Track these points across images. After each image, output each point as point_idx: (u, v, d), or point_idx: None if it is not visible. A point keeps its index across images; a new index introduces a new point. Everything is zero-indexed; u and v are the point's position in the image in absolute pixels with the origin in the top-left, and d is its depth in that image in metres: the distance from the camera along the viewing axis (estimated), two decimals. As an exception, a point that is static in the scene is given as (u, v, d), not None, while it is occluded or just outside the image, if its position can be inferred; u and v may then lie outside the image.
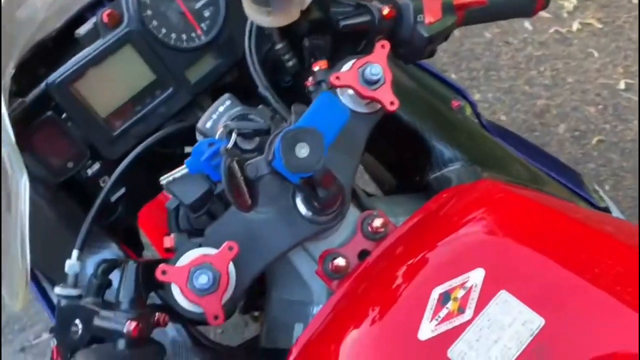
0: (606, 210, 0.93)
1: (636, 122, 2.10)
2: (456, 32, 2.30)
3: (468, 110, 0.97)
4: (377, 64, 0.70)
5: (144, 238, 1.16)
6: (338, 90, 0.73)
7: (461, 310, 0.59)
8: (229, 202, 0.76)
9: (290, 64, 0.80)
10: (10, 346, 1.72)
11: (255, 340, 0.92)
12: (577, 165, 2.05)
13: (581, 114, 2.14)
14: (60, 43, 0.84)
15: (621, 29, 2.25)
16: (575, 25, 2.28)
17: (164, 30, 0.80)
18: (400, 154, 0.98)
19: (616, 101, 2.14)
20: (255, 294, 1.03)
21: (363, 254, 0.74)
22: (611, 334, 0.55)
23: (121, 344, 0.62)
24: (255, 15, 0.68)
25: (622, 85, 2.17)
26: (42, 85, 0.76)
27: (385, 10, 0.72)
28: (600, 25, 2.27)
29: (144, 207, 0.96)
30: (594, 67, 2.21)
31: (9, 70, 0.70)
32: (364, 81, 0.70)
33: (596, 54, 2.23)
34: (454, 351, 0.57)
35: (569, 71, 2.23)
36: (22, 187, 0.54)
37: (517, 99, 2.19)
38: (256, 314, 1.26)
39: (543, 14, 2.31)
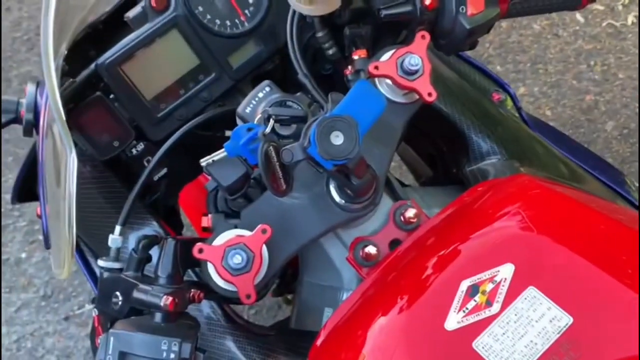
0: (648, 211, 0.91)
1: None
2: (503, 24, 2.26)
3: (509, 104, 0.95)
4: (416, 54, 0.70)
5: (185, 219, 1.20)
6: (376, 79, 0.73)
7: (489, 303, 0.59)
8: (265, 186, 0.78)
9: (330, 52, 0.80)
10: (55, 314, 1.80)
11: (286, 322, 0.95)
12: (624, 164, 1.99)
13: (631, 111, 2.07)
14: (110, 26, 0.87)
15: (679, 24, 2.16)
16: (630, 19, 2.20)
17: (209, 16, 0.82)
18: (437, 145, 0.98)
19: (669, 99, 2.06)
20: (289, 278, 1.05)
21: (394, 243, 0.74)
22: (641, 336, 0.55)
23: (158, 316, 0.65)
24: (297, 4, 0.69)
25: (676, 83, 2.08)
26: (92, 66, 0.80)
27: (428, 1, 0.72)
28: (656, 20, 2.19)
29: (184, 187, 0.99)
30: (648, 62, 2.13)
31: (62, 51, 0.73)
32: (402, 71, 0.70)
33: (651, 50, 2.15)
34: (479, 343, 0.58)
35: (620, 66, 2.15)
36: (70, 163, 0.57)
37: (564, 94, 2.14)
38: (289, 296, 1.29)
39: (596, 6, 2.23)
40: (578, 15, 2.22)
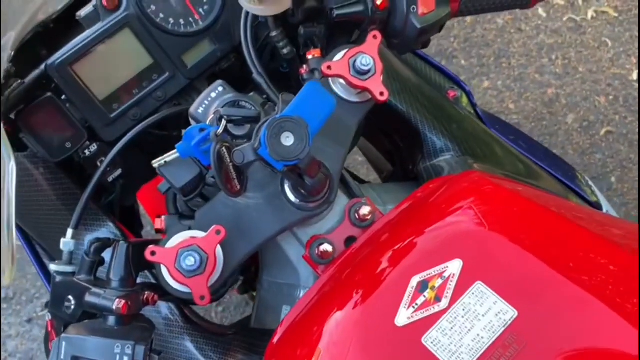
0: (597, 204, 0.94)
1: (647, 114, 2.08)
2: (468, 19, 2.29)
3: (465, 101, 0.97)
4: (368, 54, 0.71)
5: (146, 218, 1.19)
6: (330, 79, 0.74)
7: (438, 299, 0.61)
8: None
9: (285, 51, 0.81)
10: (17, 317, 1.77)
11: (247, 321, 0.95)
12: (584, 155, 2.04)
13: (591, 104, 2.12)
14: (62, 25, 0.86)
15: (637, 18, 2.21)
16: (590, 14, 2.25)
17: (162, 15, 0.81)
18: (394, 142, 0.99)
19: (627, 92, 2.12)
20: (253, 275, 1.06)
21: (349, 241, 0.75)
22: (584, 330, 0.57)
23: (111, 320, 0.64)
24: (248, 4, 0.69)
25: (634, 76, 2.14)
26: (42, 66, 0.78)
27: (379, 1, 0.73)
28: (615, 14, 2.24)
29: (141, 188, 0.98)
30: (607, 56, 2.19)
31: (7, 54, 0.72)
32: (354, 71, 0.71)
33: (610, 44, 2.20)
34: (428, 338, 0.59)
35: (581, 60, 2.20)
36: (9, 171, 0.56)
37: (526, 87, 2.18)
38: (255, 294, 1.29)
39: (557, 1, 2.28)
40: (540, 10, 2.26)
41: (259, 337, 0.78)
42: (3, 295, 1.80)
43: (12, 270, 0.57)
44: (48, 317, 0.71)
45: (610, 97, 2.13)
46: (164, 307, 0.81)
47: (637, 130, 2.05)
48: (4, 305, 1.79)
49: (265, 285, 0.84)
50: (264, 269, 0.85)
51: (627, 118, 2.09)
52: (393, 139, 0.98)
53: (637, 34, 2.21)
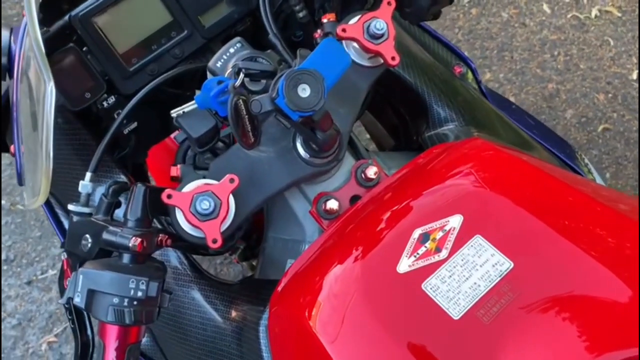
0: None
1: (645, 113, 2.12)
2: (473, 10, 2.32)
3: (470, 77, 1.00)
4: (382, 19, 0.74)
5: (152, 181, 1.21)
6: (344, 42, 0.77)
7: (438, 249, 0.64)
8: (232, 142, 0.81)
9: (301, 15, 0.83)
10: (17, 279, 1.79)
11: (251, 278, 0.98)
12: (581, 151, 2.08)
13: (590, 100, 2.16)
14: None
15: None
16: (594, 12, 2.28)
17: None
18: (401, 115, 1.02)
19: (627, 91, 2.15)
20: (254, 242, 1.09)
21: (354, 199, 0.79)
22: (573, 280, 0.60)
23: (126, 257, 0.67)
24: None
25: (634, 76, 2.18)
26: (66, 17, 0.81)
27: (394, -31, 0.76)
28: (619, 14, 2.27)
29: (153, 146, 1.01)
30: (609, 55, 2.22)
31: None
32: (368, 35, 0.74)
33: (612, 42, 2.24)
34: (427, 284, 0.62)
35: (582, 57, 2.23)
36: (49, 92, 0.59)
37: (527, 81, 2.21)
38: (254, 262, 1.32)
39: (563, -2, 2.31)
40: (545, 6, 2.30)
41: (264, 288, 0.81)
42: (3, 257, 1.83)
43: (47, 189, 0.60)
44: (63, 256, 0.74)
45: (609, 95, 2.17)
46: (173, 257, 0.84)
47: (634, 128, 2.09)
48: (4, 267, 1.81)
49: (270, 242, 0.87)
50: (270, 226, 0.88)
51: (624, 116, 2.13)
52: (399, 111, 1.02)
53: (638, 34, 2.25)
